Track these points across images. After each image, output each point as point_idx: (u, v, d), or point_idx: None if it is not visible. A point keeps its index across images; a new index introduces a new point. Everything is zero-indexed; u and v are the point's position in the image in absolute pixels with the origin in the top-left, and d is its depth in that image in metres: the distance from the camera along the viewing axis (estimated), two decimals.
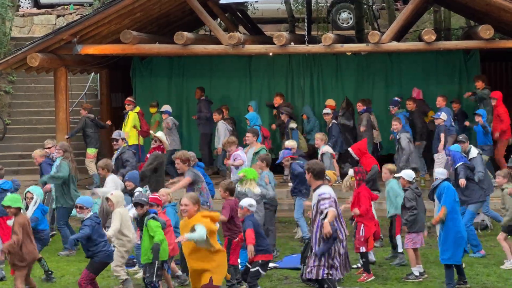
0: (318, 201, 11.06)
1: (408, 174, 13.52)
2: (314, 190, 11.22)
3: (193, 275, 10.64)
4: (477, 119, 18.41)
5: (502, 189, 14.05)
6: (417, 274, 13.14)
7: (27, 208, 13.53)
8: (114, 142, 16.71)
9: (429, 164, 19.03)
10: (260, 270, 12.05)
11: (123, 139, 16.77)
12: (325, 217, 10.93)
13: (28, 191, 13.82)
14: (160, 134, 16.66)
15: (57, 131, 19.07)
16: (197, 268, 10.45)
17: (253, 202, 12.33)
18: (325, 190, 11.14)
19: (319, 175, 11.22)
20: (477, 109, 19.12)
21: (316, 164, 11.43)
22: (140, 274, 13.12)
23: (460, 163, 15.10)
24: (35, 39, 18.91)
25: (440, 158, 17.96)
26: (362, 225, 13.40)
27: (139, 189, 14.21)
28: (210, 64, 22.12)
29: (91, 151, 19.91)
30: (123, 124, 19.74)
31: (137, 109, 19.92)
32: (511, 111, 19.52)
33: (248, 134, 16.72)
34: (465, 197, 14.87)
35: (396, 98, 19.90)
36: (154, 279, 11.72)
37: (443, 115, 18.26)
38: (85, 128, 19.84)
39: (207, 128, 20.80)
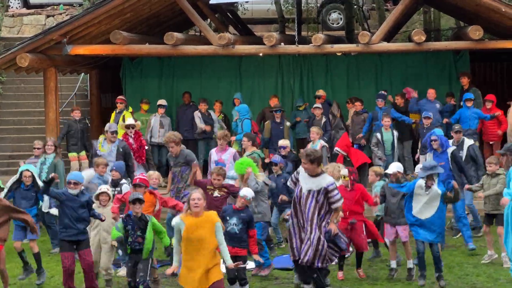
0: (326, 189, 11.44)
1: (398, 165, 13.61)
2: (314, 176, 11.54)
3: (200, 272, 10.25)
4: (469, 103, 18.76)
5: (497, 175, 14.01)
6: (395, 266, 13.29)
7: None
8: (114, 134, 16.75)
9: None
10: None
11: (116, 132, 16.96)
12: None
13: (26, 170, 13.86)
14: (130, 120, 16.87)
15: (47, 131, 19.01)
16: (209, 265, 10.22)
17: (249, 193, 12.43)
18: (332, 179, 11.64)
19: (314, 161, 11.55)
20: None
21: (314, 151, 11.75)
22: (122, 273, 13.20)
23: (453, 147, 15.16)
24: (24, 39, 18.87)
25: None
26: (364, 223, 13.36)
27: (124, 181, 14.27)
28: (200, 64, 22.12)
29: (82, 153, 20.11)
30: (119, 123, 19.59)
31: (130, 109, 20.01)
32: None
33: (244, 139, 16.78)
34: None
35: (382, 91, 19.94)
36: (148, 279, 11.56)
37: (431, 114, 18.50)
38: (70, 131, 19.99)
39: (191, 134, 20.72)
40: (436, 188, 12.39)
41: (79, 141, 19.84)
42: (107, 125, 17.29)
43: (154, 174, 13.98)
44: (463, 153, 15.76)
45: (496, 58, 23.06)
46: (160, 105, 20.38)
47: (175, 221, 10.46)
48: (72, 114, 20.26)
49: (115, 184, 14.01)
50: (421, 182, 12.47)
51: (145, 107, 20.87)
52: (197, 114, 20.26)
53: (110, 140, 16.65)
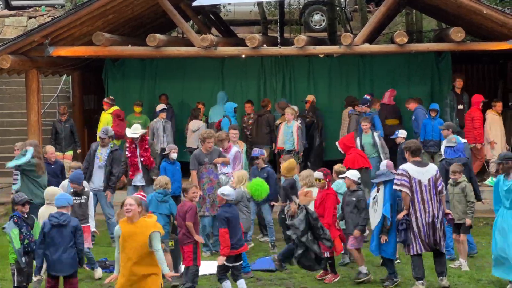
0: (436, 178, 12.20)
1: (353, 173, 13.46)
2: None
3: (134, 280, 10.20)
4: (433, 114, 18.88)
5: (458, 183, 13.94)
6: (365, 271, 13.23)
7: None
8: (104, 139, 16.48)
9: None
10: (226, 263, 12.13)
11: (110, 137, 16.60)
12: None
13: None
14: (137, 129, 16.65)
15: (29, 133, 18.95)
16: (145, 273, 10.12)
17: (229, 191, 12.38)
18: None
19: (416, 152, 12.29)
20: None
21: (412, 142, 12.59)
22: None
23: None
24: (6, 41, 18.79)
25: None
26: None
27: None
28: (183, 66, 22.09)
29: (68, 153, 20.24)
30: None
31: (111, 109, 19.89)
32: (484, 113, 19.69)
33: (233, 131, 16.83)
34: None
35: (366, 96, 19.84)
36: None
37: (401, 133, 18.08)
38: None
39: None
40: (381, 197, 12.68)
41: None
42: (102, 129, 16.89)
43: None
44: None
45: (477, 60, 23.17)
46: (163, 109, 19.94)
47: (115, 228, 10.37)
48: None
49: (77, 194, 13.75)
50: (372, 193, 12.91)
51: (137, 109, 20.72)
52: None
53: (102, 145, 16.46)
